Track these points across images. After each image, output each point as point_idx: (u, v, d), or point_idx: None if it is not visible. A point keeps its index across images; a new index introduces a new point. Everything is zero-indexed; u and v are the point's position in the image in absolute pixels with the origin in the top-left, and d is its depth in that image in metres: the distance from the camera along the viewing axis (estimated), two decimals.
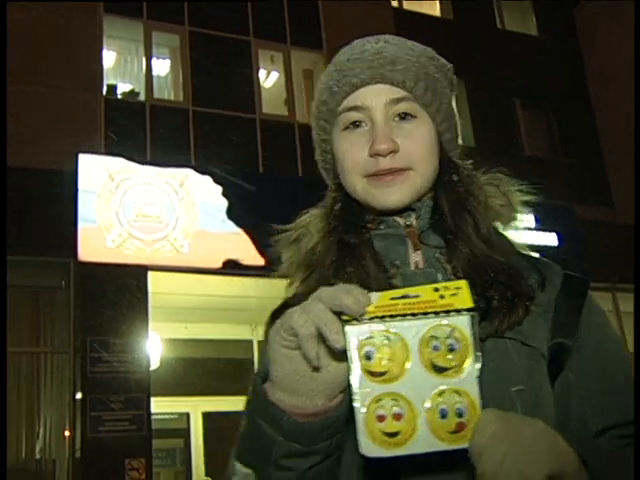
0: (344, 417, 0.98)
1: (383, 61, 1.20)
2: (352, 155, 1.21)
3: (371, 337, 0.93)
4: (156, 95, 12.12)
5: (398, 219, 1.22)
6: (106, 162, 9.06)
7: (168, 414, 9.92)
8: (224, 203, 9.47)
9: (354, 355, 0.92)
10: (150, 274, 8.85)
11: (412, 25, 14.36)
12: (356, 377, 0.92)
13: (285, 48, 13.17)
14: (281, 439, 0.97)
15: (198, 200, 9.33)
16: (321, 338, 0.92)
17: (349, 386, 0.93)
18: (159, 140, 11.05)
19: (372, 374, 0.92)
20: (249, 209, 9.54)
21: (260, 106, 12.40)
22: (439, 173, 1.22)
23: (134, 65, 12.89)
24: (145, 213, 8.98)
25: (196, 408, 10.52)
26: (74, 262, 8.76)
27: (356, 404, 0.92)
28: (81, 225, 8.64)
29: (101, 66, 11.56)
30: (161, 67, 12.88)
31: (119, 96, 12.11)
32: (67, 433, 8.56)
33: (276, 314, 1.26)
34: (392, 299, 0.94)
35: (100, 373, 8.36)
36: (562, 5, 16.19)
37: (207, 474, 10.18)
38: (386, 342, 0.93)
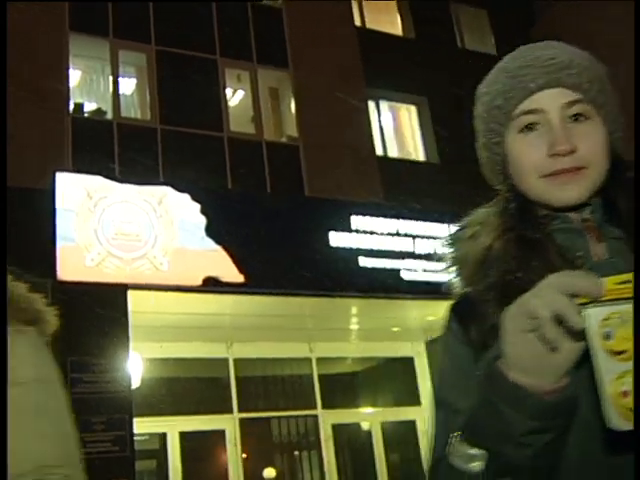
0: (576, 395, 1.04)
1: (559, 66, 1.27)
2: (530, 156, 1.27)
3: (607, 318, 0.99)
4: (123, 114, 12.05)
5: (572, 215, 1.28)
6: (84, 180, 8.99)
7: (144, 435, 9.80)
8: (203, 220, 9.46)
9: (596, 335, 0.98)
10: (130, 293, 8.78)
11: (375, 43, 14.60)
12: (601, 356, 0.98)
13: (252, 67, 13.23)
14: (523, 417, 1.02)
15: (177, 217, 9.31)
16: (557, 320, 0.98)
17: (590, 365, 0.99)
18: (127, 158, 10.99)
19: (613, 353, 0.98)
20: (227, 226, 9.56)
21: (228, 124, 12.43)
22: (611, 170, 1.28)
23: (100, 84, 12.81)
24: (124, 231, 8.92)
25: (173, 428, 10.42)
26: (52, 281, 8.64)
27: (603, 380, 0.97)
28: (60, 244, 8.55)
29: (67, 85, 11.47)
30: (127, 86, 12.82)
31: (86, 114, 12.02)
32: None
33: (456, 307, 1.32)
34: (616, 284, 1.00)
35: (81, 394, 8.24)
36: (519, 25, 16.57)
37: None
38: (620, 323, 0.99)
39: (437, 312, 11.60)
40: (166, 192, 9.41)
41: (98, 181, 9.06)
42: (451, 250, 1.36)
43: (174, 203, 9.37)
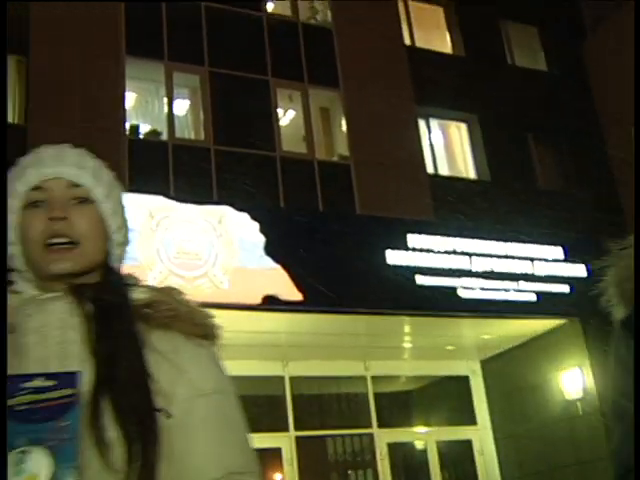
0: None
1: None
2: None
3: None
4: (177, 134, 12.25)
5: None
6: (146, 200, 9.13)
7: None
8: (262, 239, 9.56)
9: None
10: None
11: (424, 61, 14.64)
12: None
13: (303, 87, 13.36)
14: None
15: (236, 236, 9.41)
16: None
17: None
18: (182, 178, 11.16)
19: None
20: (285, 244, 9.64)
21: (280, 144, 12.56)
22: None
23: (154, 105, 13.05)
24: (185, 250, 9.05)
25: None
26: None
27: None
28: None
29: (124, 107, 11.71)
30: (180, 107, 13.03)
31: (141, 136, 12.24)
32: None
33: (628, 322, 1.35)
34: None
35: None
36: (570, 40, 16.50)
37: None
38: None
39: (492, 330, 11.57)
40: (225, 211, 9.53)
41: (159, 201, 9.22)
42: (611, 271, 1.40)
43: (233, 222, 9.49)
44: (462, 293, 10.74)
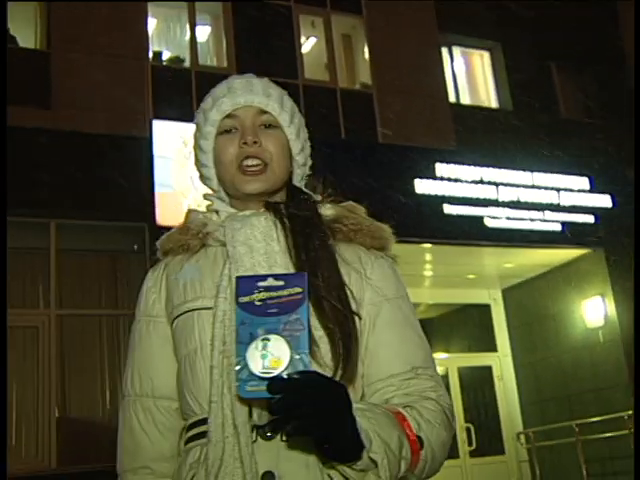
0: None
1: None
2: None
3: None
4: (199, 62, 12.16)
5: None
6: (179, 128, 9.15)
7: None
8: None
9: None
10: None
11: None
12: None
13: (325, 13, 13.20)
14: None
15: None
16: None
17: None
18: None
19: None
20: (314, 171, 9.67)
21: (302, 71, 12.47)
22: None
23: (176, 32, 12.91)
24: None
25: None
26: (148, 226, 8.90)
27: None
28: (158, 190, 8.76)
29: (147, 33, 11.60)
30: (202, 34, 12.89)
31: (164, 62, 12.15)
32: None
33: None
34: None
35: None
36: None
37: None
38: None
39: (515, 260, 11.70)
40: None
41: (192, 128, 9.21)
42: None
43: None
44: (489, 222, 10.84)
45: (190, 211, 1.73)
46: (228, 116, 1.64)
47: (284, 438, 1.36)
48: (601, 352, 11.44)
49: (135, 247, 9.24)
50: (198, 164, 1.75)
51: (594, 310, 11.44)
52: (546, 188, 11.30)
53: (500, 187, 11.13)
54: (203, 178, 1.75)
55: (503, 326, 12.98)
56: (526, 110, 13.72)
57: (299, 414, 1.17)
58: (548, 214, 11.22)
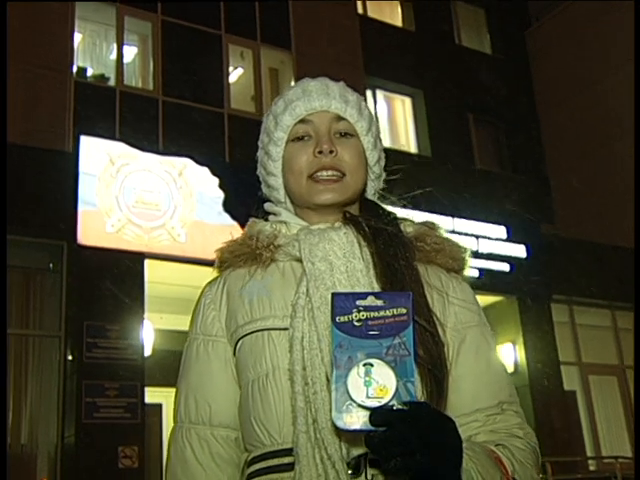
0: None
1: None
2: None
3: None
4: (125, 82, 11.95)
5: None
6: (106, 145, 8.92)
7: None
8: (220, 195, 9.48)
9: None
10: (147, 262, 8.77)
11: (375, 32, 14.71)
12: None
13: (255, 45, 13.22)
14: None
15: (196, 190, 9.31)
16: None
17: None
18: (128, 127, 10.90)
19: None
20: (244, 202, 9.59)
21: (229, 101, 12.42)
22: None
23: (102, 49, 12.67)
24: (144, 200, 8.90)
25: (168, 399, 10.43)
26: (68, 244, 8.59)
27: None
28: (81, 208, 8.48)
29: (72, 48, 11.32)
30: (128, 54, 12.69)
31: (88, 79, 11.88)
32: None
33: None
34: None
35: (96, 359, 8.23)
36: (514, 26, 16.89)
37: None
38: None
39: None
40: (186, 164, 9.39)
41: (121, 147, 9.00)
42: None
43: (194, 176, 9.36)
44: None
45: (255, 222, 1.58)
46: (301, 121, 1.51)
47: (369, 477, 1.23)
48: None
49: (51, 266, 8.86)
50: (264, 172, 1.59)
51: (505, 357, 11.67)
52: (466, 234, 11.52)
53: None
54: (268, 187, 1.60)
55: None
56: (443, 157, 14.05)
57: (405, 450, 1.05)
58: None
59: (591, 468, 12.03)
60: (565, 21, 16.41)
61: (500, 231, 11.76)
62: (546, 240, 12.28)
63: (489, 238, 11.66)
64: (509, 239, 11.78)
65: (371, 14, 15.30)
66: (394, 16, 15.70)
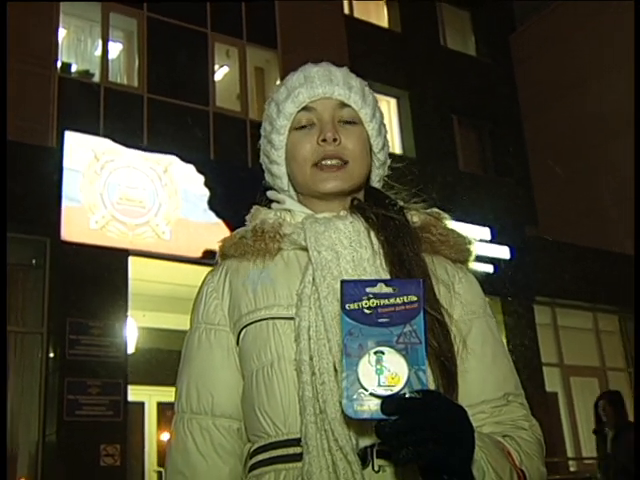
0: None
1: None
2: None
3: None
4: (109, 78, 11.90)
5: None
6: (91, 141, 8.86)
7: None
8: (206, 193, 9.45)
9: None
10: (131, 259, 8.72)
11: (361, 33, 14.73)
12: None
13: (241, 43, 13.20)
14: None
15: (181, 188, 9.27)
16: None
17: None
18: (112, 123, 10.85)
19: None
20: (229, 200, 9.56)
21: (214, 99, 12.39)
22: None
23: (87, 45, 12.60)
24: (129, 197, 8.85)
25: (151, 398, 10.40)
26: (51, 240, 8.53)
27: None
28: (65, 204, 8.42)
29: (57, 43, 11.25)
30: (113, 50, 12.63)
31: (73, 75, 11.81)
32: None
33: None
34: None
35: (78, 356, 8.17)
36: (500, 29, 16.97)
37: (160, 465, 10.08)
38: None
39: None
40: (172, 161, 9.35)
41: (105, 144, 8.95)
42: None
43: (179, 173, 9.32)
44: None
45: (258, 209, 1.54)
46: (304, 108, 1.48)
47: (376, 467, 1.22)
48: None
49: (34, 262, 8.79)
50: (267, 161, 1.56)
51: None
52: None
53: None
54: (271, 176, 1.57)
55: None
56: (427, 159, 14.08)
57: (417, 439, 1.03)
58: None
59: (572, 469, 12.10)
60: (550, 25, 16.51)
61: (484, 233, 11.79)
62: (529, 242, 12.34)
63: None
64: (493, 241, 11.81)
65: (357, 15, 15.31)
66: (380, 17, 15.72)
